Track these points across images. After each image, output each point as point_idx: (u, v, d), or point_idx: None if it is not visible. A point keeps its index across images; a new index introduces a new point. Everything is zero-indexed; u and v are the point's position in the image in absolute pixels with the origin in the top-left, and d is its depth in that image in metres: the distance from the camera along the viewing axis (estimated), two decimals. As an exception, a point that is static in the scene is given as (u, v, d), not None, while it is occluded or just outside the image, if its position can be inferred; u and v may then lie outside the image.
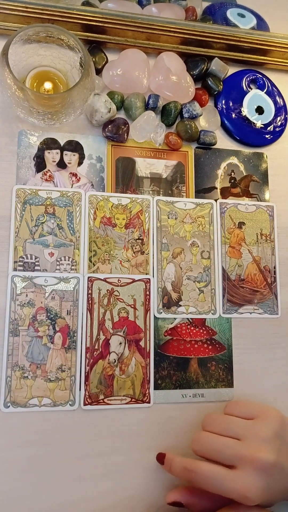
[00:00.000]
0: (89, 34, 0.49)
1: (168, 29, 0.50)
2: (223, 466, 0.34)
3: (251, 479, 0.33)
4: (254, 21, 0.57)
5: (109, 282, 0.45)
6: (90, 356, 0.43)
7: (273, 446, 0.34)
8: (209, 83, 0.52)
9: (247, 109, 0.53)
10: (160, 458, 0.41)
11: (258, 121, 0.53)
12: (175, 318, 0.46)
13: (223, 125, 0.53)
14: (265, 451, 0.33)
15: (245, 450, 0.34)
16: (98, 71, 0.49)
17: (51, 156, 0.47)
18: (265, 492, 0.33)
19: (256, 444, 0.34)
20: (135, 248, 0.47)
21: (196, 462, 0.35)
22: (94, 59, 0.49)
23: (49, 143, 0.47)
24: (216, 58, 0.53)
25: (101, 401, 0.42)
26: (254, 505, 0.33)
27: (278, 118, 0.55)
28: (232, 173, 0.52)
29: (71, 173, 0.47)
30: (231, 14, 0.56)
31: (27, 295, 0.43)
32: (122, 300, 0.45)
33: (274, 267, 0.50)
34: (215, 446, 0.35)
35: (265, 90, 0.55)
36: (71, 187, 0.47)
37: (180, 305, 0.46)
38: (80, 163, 0.48)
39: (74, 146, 0.48)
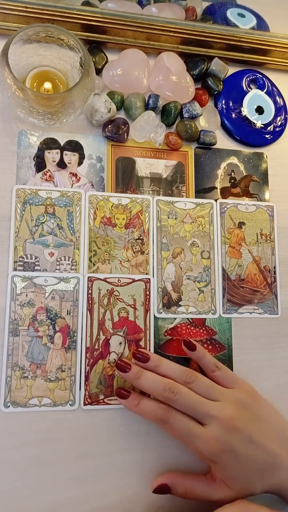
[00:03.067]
0: (89, 34, 0.49)
1: (168, 29, 0.50)
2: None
3: (215, 432, 0.35)
4: (254, 21, 0.57)
5: (109, 282, 0.45)
6: (90, 356, 0.43)
7: (239, 412, 0.37)
8: (209, 83, 0.52)
9: (247, 109, 0.53)
10: (123, 391, 0.39)
11: (258, 121, 0.53)
12: (175, 318, 0.46)
13: (223, 125, 0.53)
14: (231, 412, 0.36)
15: (214, 411, 0.36)
16: (98, 71, 0.49)
17: (51, 156, 0.47)
18: (228, 450, 0.35)
19: (225, 406, 0.37)
20: (135, 248, 0.47)
21: (170, 405, 0.37)
22: (94, 59, 0.49)
23: (49, 143, 0.47)
24: (216, 58, 0.53)
25: (101, 401, 0.42)
26: (214, 459, 0.36)
27: (278, 118, 0.55)
28: (232, 173, 0.52)
29: (71, 173, 0.47)
30: (231, 14, 0.56)
31: (27, 295, 0.43)
32: (122, 300, 0.45)
33: (274, 267, 0.50)
34: (192, 403, 0.36)
35: (265, 90, 0.55)
36: (71, 187, 0.47)
37: (180, 305, 0.46)
38: (80, 163, 0.48)
39: (74, 146, 0.48)
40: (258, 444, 0.36)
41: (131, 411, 0.39)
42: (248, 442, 0.36)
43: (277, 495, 0.38)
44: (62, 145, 0.48)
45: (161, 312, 0.46)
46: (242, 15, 0.57)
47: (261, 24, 0.57)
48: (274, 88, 0.56)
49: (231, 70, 0.55)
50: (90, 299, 0.44)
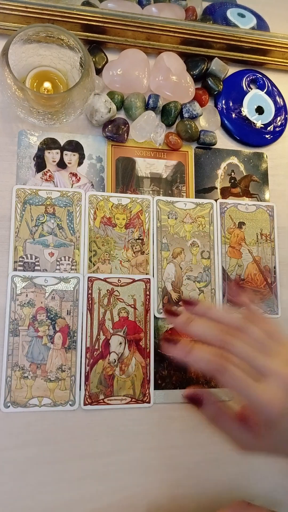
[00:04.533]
0: (89, 34, 0.49)
1: (168, 29, 0.50)
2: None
3: (275, 390, 0.31)
4: (254, 21, 0.57)
5: (109, 282, 0.45)
6: (90, 356, 0.43)
7: None
8: (209, 83, 0.52)
9: (247, 109, 0.53)
10: (172, 337, 0.35)
11: (258, 121, 0.53)
12: (175, 318, 0.46)
13: (223, 125, 0.53)
14: None
15: (275, 365, 0.32)
16: (98, 71, 0.49)
17: (51, 156, 0.47)
18: (286, 411, 0.31)
19: (286, 364, 0.32)
20: (135, 248, 0.47)
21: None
22: (94, 59, 0.49)
23: (49, 143, 0.47)
24: (216, 58, 0.53)
25: (101, 401, 0.42)
26: (269, 419, 0.31)
27: (278, 118, 0.55)
28: (232, 173, 0.52)
29: (71, 173, 0.47)
30: (231, 14, 0.56)
31: (27, 295, 0.43)
32: (122, 300, 0.45)
33: (274, 267, 0.50)
34: (251, 352, 0.32)
35: (265, 90, 0.55)
36: (71, 187, 0.47)
37: (180, 305, 0.46)
38: (80, 163, 0.48)
39: (74, 146, 0.48)
40: None
41: (182, 360, 0.33)
42: None
43: None
44: (62, 145, 0.47)
45: (161, 312, 0.46)
46: (242, 15, 0.57)
47: (261, 24, 0.57)
48: (274, 88, 0.56)
49: (231, 70, 0.55)
50: (90, 299, 0.44)
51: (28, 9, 0.46)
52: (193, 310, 0.35)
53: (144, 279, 0.46)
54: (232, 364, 0.31)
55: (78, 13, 0.48)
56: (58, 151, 0.47)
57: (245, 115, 0.53)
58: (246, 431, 0.33)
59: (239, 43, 0.53)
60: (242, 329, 0.33)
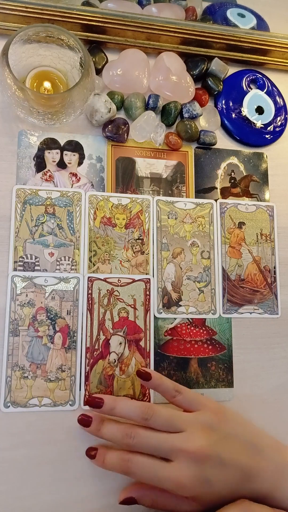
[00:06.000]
0: (89, 34, 0.49)
1: (168, 29, 0.50)
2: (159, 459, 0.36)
3: (185, 469, 0.34)
4: (254, 21, 0.57)
5: (109, 282, 0.45)
6: (90, 356, 0.43)
7: (207, 437, 0.35)
8: (209, 83, 0.52)
9: (247, 109, 0.53)
10: (91, 452, 0.38)
11: (258, 121, 0.53)
12: (175, 318, 0.46)
13: (223, 125, 0.53)
14: (199, 442, 0.35)
15: (180, 443, 0.35)
16: (98, 71, 0.49)
17: (51, 156, 0.47)
18: (202, 482, 0.34)
19: (191, 436, 0.35)
20: (135, 248, 0.47)
21: (131, 452, 0.36)
22: (94, 59, 0.49)
23: (49, 143, 0.47)
24: (216, 58, 0.53)
25: (101, 401, 0.42)
26: (190, 495, 0.35)
27: (278, 118, 0.55)
28: (232, 173, 0.52)
29: (71, 173, 0.47)
30: (231, 14, 0.56)
31: (27, 295, 0.43)
32: (122, 300, 0.45)
33: (274, 267, 0.50)
34: (152, 443, 0.35)
35: (265, 90, 0.55)
36: (71, 187, 0.47)
37: (180, 305, 0.46)
38: (80, 163, 0.48)
39: (74, 146, 0.48)
40: (228, 464, 0.35)
41: (93, 460, 0.38)
42: (219, 465, 0.35)
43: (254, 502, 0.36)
44: (62, 145, 0.48)
45: (161, 312, 0.46)
46: (242, 15, 0.57)
47: (261, 24, 0.57)
48: (274, 88, 0.56)
49: (231, 70, 0.55)
50: (90, 299, 0.44)
51: (28, 9, 0.46)
52: (99, 411, 0.37)
53: (144, 279, 0.46)
54: (135, 463, 0.35)
55: (78, 13, 0.48)
56: (58, 151, 0.47)
57: (245, 115, 0.53)
58: (184, 500, 0.36)
59: (239, 43, 0.53)
60: (146, 418, 0.36)
